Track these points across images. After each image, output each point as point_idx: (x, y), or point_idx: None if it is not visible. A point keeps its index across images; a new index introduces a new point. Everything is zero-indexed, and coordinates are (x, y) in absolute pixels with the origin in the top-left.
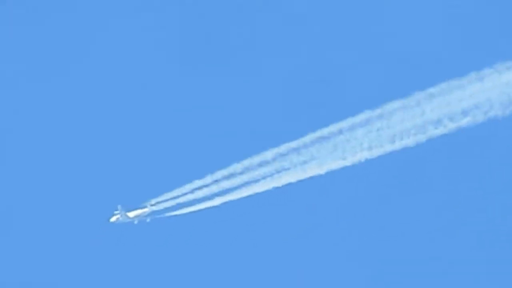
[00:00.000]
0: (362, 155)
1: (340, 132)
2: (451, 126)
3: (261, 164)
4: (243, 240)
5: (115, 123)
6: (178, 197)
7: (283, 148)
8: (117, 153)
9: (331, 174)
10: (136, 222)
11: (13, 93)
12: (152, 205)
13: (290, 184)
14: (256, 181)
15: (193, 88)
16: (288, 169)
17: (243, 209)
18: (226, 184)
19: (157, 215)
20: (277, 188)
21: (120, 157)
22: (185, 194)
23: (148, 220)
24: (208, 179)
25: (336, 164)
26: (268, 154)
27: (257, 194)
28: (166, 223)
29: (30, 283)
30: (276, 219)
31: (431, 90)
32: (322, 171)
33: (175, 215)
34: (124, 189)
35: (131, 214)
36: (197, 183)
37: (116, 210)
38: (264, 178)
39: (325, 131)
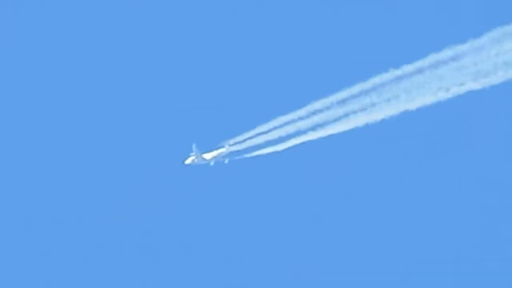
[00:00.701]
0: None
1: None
2: None
3: (345, 101)
4: (328, 181)
5: (193, 59)
6: (257, 136)
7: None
8: (193, 91)
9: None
10: (212, 163)
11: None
12: (230, 145)
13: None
14: (343, 117)
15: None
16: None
17: (328, 148)
18: (311, 122)
19: (236, 156)
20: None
21: (196, 95)
22: (266, 133)
23: (225, 161)
24: (290, 117)
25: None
26: (355, 89)
27: (341, 133)
28: (244, 165)
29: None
30: (363, 156)
31: None
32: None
33: (255, 156)
34: (200, 128)
35: (208, 156)
36: (279, 120)
37: (191, 151)
38: (349, 115)
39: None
